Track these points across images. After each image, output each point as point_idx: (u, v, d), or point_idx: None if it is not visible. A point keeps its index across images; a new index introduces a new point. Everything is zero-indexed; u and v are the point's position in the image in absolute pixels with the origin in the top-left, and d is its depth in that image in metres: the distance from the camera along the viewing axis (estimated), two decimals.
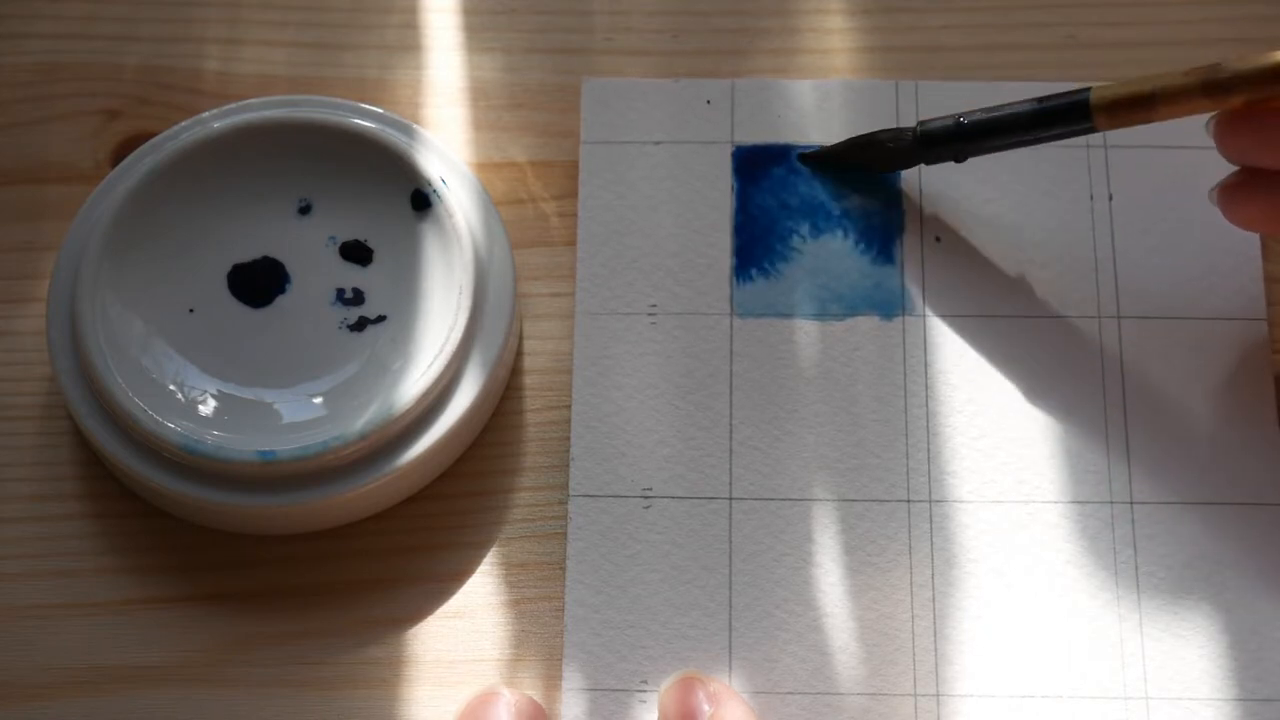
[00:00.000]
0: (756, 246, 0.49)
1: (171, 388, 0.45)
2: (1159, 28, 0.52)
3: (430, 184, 0.47)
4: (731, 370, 0.47)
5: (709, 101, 0.51)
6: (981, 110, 0.46)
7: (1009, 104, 0.46)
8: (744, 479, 0.46)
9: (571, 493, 0.46)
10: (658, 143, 0.50)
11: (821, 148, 0.49)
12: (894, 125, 0.49)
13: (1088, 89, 0.44)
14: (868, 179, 0.49)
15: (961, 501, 0.46)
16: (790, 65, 0.51)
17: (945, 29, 0.52)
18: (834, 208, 0.49)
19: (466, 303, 0.45)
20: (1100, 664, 0.44)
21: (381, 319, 0.47)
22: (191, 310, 0.47)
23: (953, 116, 0.47)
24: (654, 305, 0.48)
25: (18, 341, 0.48)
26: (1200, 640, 0.44)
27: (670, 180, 0.50)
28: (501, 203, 0.49)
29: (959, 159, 0.47)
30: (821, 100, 0.50)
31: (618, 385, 0.47)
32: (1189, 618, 0.45)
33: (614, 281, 0.48)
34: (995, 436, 0.47)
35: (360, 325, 0.47)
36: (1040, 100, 0.45)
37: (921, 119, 0.48)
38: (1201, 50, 0.51)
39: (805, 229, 0.49)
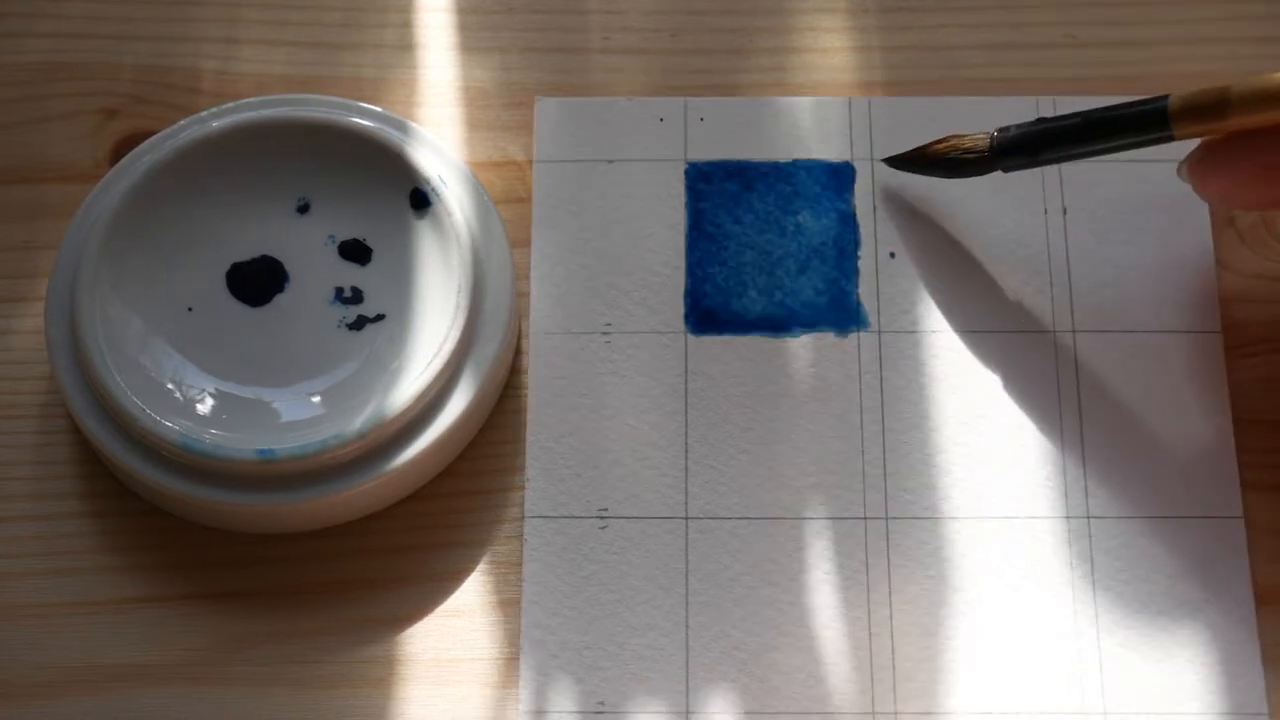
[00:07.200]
0: (710, 264, 0.49)
1: (170, 386, 0.45)
2: (1159, 28, 0.52)
3: (429, 183, 0.47)
4: (687, 389, 0.47)
5: (661, 119, 0.50)
6: (1059, 117, 0.45)
7: (1085, 111, 0.45)
8: (700, 498, 0.46)
9: (527, 514, 0.46)
10: (610, 161, 0.50)
11: (899, 154, 0.48)
12: (849, 141, 0.49)
13: (1165, 97, 0.43)
14: (819, 195, 0.49)
15: (918, 518, 0.46)
16: (788, 64, 0.51)
17: (945, 28, 0.52)
18: (788, 224, 0.49)
19: (465, 302, 0.45)
20: (1058, 679, 0.44)
21: (380, 318, 0.47)
22: (190, 309, 0.47)
23: (1028, 124, 0.46)
24: (609, 324, 0.48)
25: (17, 340, 0.48)
26: (1158, 655, 0.44)
27: (624, 199, 0.49)
28: (500, 202, 0.49)
29: (1036, 165, 0.46)
30: (774, 117, 0.50)
31: (573, 405, 0.47)
32: (1146, 632, 0.44)
33: (568, 301, 0.48)
34: (951, 452, 0.46)
35: (359, 324, 0.47)
36: (1114, 107, 0.44)
37: (1000, 126, 0.46)
38: (1201, 50, 0.51)
39: (759, 246, 0.49)
